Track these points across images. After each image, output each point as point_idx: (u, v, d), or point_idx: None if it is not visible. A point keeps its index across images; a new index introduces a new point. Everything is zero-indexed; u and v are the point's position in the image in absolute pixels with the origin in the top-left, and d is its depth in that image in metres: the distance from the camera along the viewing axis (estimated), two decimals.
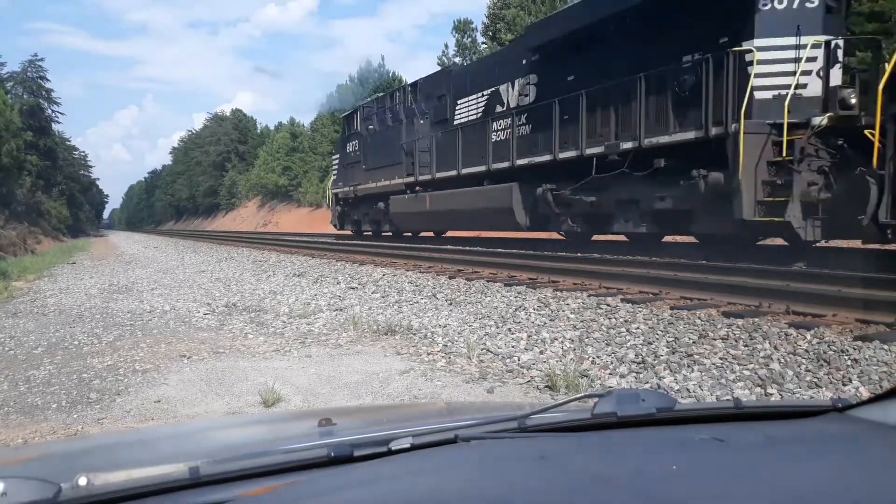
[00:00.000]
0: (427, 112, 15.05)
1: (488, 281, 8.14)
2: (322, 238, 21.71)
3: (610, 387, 3.77)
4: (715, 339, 4.43)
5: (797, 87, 7.42)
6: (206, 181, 74.48)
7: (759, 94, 7.58)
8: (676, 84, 8.45)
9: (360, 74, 46.01)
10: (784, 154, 7.17)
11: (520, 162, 11.50)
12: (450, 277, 8.88)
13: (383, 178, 16.58)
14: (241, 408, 3.56)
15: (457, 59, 38.08)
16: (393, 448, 0.88)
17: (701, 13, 8.30)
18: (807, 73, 7.55)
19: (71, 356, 4.99)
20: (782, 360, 3.85)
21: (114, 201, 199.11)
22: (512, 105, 12.03)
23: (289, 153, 54.34)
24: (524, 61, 11.71)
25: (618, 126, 9.42)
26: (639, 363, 4.11)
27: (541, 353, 4.56)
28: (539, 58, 11.37)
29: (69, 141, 69.06)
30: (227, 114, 76.97)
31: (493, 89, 12.65)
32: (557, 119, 10.46)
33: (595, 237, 11.32)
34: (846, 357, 3.80)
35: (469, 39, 39.69)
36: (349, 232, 20.03)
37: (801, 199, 7.08)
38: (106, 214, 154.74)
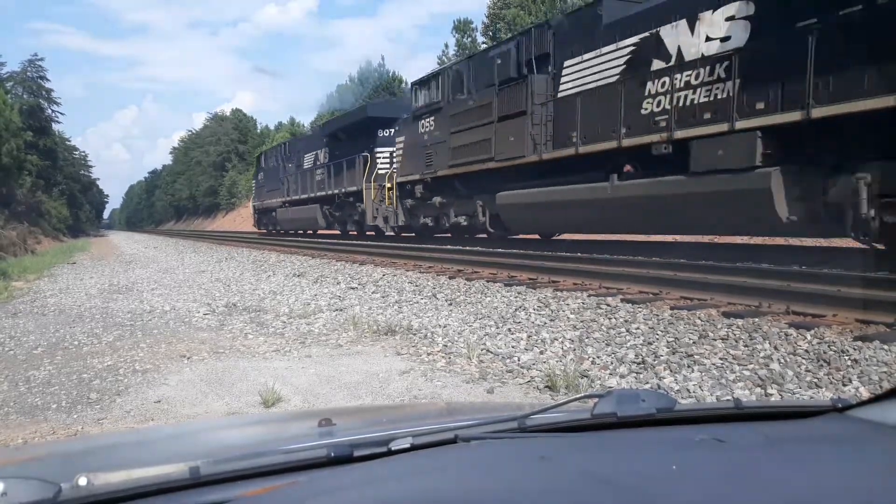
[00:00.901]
0: (293, 160, 25.33)
1: (488, 281, 8.14)
2: (322, 238, 21.86)
3: (610, 387, 3.77)
4: (715, 340, 4.43)
5: (390, 168, 17.02)
6: (206, 181, 74.39)
7: (379, 171, 17.44)
8: (353, 165, 18.71)
9: (360, 74, 46.10)
10: (375, 198, 17.24)
11: (318, 193, 21.87)
12: (450, 277, 8.89)
13: (273, 198, 27.77)
14: (241, 408, 3.56)
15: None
16: (393, 448, 0.88)
17: (364, 135, 18.40)
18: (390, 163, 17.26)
19: (71, 356, 4.99)
20: (782, 361, 3.85)
21: (114, 201, 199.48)
22: (321, 162, 22.27)
23: None
24: (324, 139, 22.35)
25: (341, 180, 19.76)
26: (639, 363, 4.11)
27: (541, 353, 4.56)
28: (326, 140, 22.03)
29: (69, 141, 69.03)
30: (227, 114, 76.83)
31: (315, 151, 23.02)
32: (325, 174, 21.27)
33: (350, 232, 20.89)
34: (846, 357, 3.80)
35: (469, 39, 39.71)
36: (264, 231, 30.93)
37: (381, 216, 17.03)
38: (106, 214, 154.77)
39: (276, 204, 27.01)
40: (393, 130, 16.98)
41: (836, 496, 0.74)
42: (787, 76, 6.86)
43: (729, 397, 3.35)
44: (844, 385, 3.46)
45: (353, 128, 19.44)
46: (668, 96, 8.26)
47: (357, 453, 0.85)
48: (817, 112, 6.41)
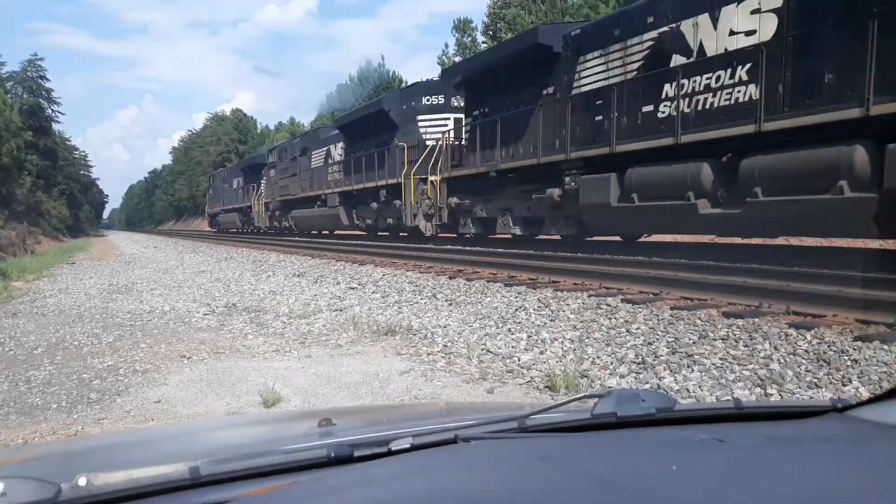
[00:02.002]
0: (227, 181, 37.96)
1: (488, 281, 8.14)
2: (322, 238, 21.93)
3: (610, 387, 3.77)
4: (715, 340, 4.43)
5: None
6: (207, 181, 74.40)
7: (262, 193, 30.55)
8: (249, 190, 32.92)
9: (360, 74, 46.28)
10: (258, 210, 31.19)
11: (237, 205, 35.24)
12: (450, 277, 8.89)
13: (217, 207, 41.04)
14: (241, 408, 3.56)
15: (457, 59, 38.20)
16: (393, 448, 0.87)
17: (256, 171, 32.03)
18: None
19: (71, 356, 4.99)
20: (782, 361, 3.85)
21: (114, 201, 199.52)
22: (239, 185, 34.66)
23: None
24: (241, 170, 35.21)
25: (245, 198, 34.10)
26: (639, 363, 4.11)
27: (541, 353, 4.56)
28: (242, 171, 35.00)
29: (69, 141, 69.13)
30: (227, 113, 76.90)
31: (237, 178, 35.39)
32: (241, 193, 34.22)
33: (252, 231, 32.59)
34: (846, 357, 3.80)
35: (469, 39, 39.75)
36: (215, 230, 42.06)
37: (260, 220, 30.95)
38: (106, 214, 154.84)
39: (218, 211, 41.09)
40: None
41: (836, 496, 0.74)
42: (350, 173, 19.78)
43: (729, 397, 3.35)
44: (844, 385, 3.46)
45: (252, 166, 32.71)
46: (329, 175, 21.55)
47: (357, 453, 0.85)
48: (347, 189, 19.98)
